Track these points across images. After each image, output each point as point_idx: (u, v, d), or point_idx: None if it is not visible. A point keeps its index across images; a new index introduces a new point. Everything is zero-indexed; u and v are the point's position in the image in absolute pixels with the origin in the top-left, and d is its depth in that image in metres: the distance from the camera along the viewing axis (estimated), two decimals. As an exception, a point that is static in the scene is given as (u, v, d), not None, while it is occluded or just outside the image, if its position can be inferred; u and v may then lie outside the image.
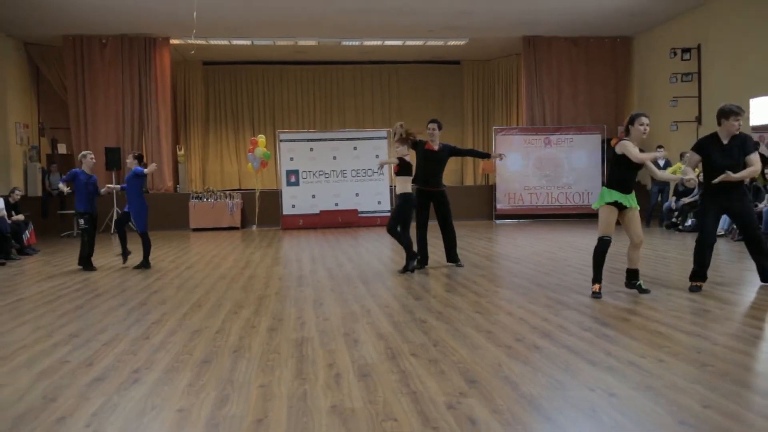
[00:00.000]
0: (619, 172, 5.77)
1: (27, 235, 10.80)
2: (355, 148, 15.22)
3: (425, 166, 7.68)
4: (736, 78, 12.17)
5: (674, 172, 10.64)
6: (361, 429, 2.92)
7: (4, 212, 10.01)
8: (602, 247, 5.75)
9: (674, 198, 12.47)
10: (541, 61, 15.93)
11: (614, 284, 6.34)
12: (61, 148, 15.81)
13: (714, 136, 5.89)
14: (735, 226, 10.08)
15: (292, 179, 15.10)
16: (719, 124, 5.88)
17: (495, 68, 18.80)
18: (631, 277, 5.92)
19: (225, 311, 5.58)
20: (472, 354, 4.05)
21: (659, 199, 13.19)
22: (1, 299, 6.47)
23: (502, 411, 3.07)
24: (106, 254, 10.07)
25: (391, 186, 14.09)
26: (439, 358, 3.98)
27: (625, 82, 16.22)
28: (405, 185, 7.46)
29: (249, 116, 18.95)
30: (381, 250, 9.94)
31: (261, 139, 15.23)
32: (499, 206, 15.53)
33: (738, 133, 5.81)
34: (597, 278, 5.80)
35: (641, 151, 5.74)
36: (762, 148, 10.47)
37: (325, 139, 15.41)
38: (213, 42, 15.63)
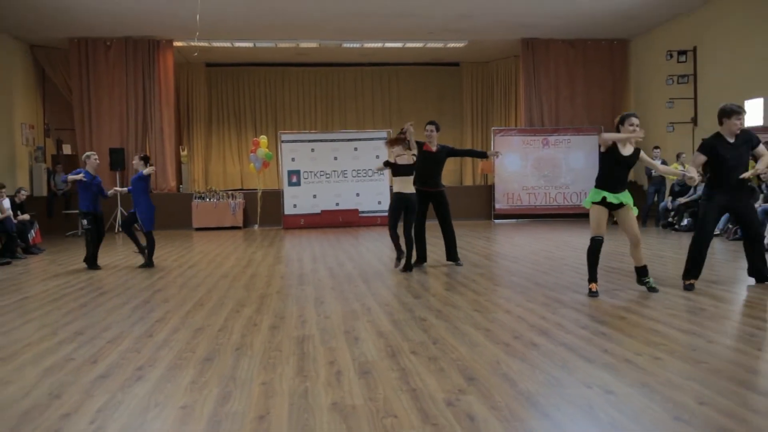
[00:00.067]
0: (605, 170, 5.82)
1: (32, 234, 10.87)
2: (355, 149, 15.28)
3: (423, 167, 7.74)
4: (731, 80, 12.24)
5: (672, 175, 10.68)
6: (361, 425, 2.94)
7: (10, 212, 10.07)
8: (594, 246, 5.79)
9: (670, 198, 12.53)
10: (540, 63, 15.99)
11: (611, 283, 6.39)
12: (66, 149, 15.87)
13: (718, 136, 5.94)
14: (731, 225, 10.14)
15: (294, 179, 15.16)
16: (721, 123, 5.94)
17: (494, 70, 18.84)
18: (640, 274, 5.95)
19: (227, 309, 5.62)
20: (470, 351, 4.08)
21: (656, 198, 13.25)
22: (7, 297, 6.52)
23: (501, 407, 3.10)
24: (111, 254, 10.11)
25: (390, 186, 14.13)
26: (438, 355, 4.01)
27: (622, 83, 16.27)
28: (397, 185, 7.53)
29: (251, 117, 19.01)
30: (381, 250, 9.97)
31: (263, 139, 15.31)
32: (497, 206, 15.58)
33: (740, 131, 5.88)
34: (592, 277, 5.84)
35: (635, 150, 5.78)
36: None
37: (326, 140, 15.46)
38: (216, 44, 15.68)
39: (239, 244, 11.50)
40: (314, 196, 15.11)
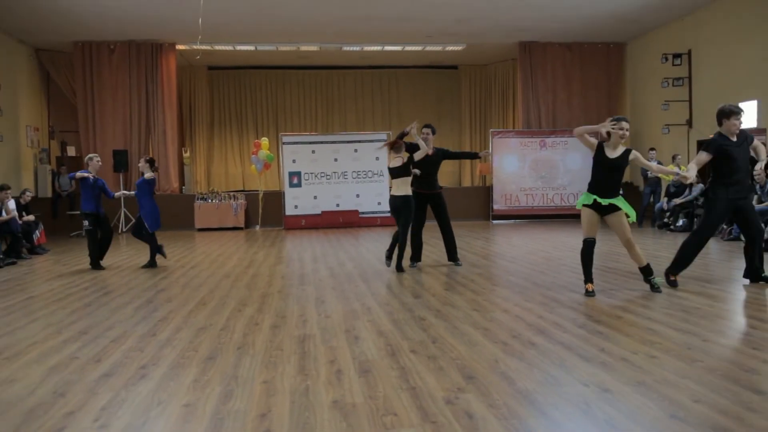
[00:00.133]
0: (595, 174, 5.85)
1: (37, 235, 10.93)
2: (355, 151, 15.34)
3: (421, 170, 7.80)
4: (725, 82, 12.33)
5: (666, 175, 10.71)
6: (361, 423, 2.96)
7: (15, 213, 10.13)
8: (587, 248, 5.82)
9: (666, 199, 12.59)
10: (537, 65, 16.06)
11: (607, 283, 6.43)
12: (71, 151, 15.95)
13: (722, 136, 6.04)
14: (725, 226, 10.19)
15: (295, 180, 15.22)
16: (720, 124, 6.05)
17: (492, 73, 18.90)
18: (644, 273, 5.97)
19: (229, 309, 5.65)
20: (469, 350, 4.11)
21: (651, 200, 13.32)
22: (12, 297, 6.56)
23: (499, 406, 3.13)
24: (114, 254, 10.13)
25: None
26: (437, 354, 4.04)
27: (618, 86, 16.34)
28: (395, 188, 7.59)
29: (252, 119, 19.07)
30: (381, 250, 9.96)
31: (264, 141, 15.36)
32: (495, 207, 15.63)
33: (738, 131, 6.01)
34: (588, 278, 5.88)
35: (624, 152, 5.78)
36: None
37: (327, 142, 15.51)
38: (218, 47, 15.75)
39: (241, 245, 11.53)
40: (315, 197, 15.17)
